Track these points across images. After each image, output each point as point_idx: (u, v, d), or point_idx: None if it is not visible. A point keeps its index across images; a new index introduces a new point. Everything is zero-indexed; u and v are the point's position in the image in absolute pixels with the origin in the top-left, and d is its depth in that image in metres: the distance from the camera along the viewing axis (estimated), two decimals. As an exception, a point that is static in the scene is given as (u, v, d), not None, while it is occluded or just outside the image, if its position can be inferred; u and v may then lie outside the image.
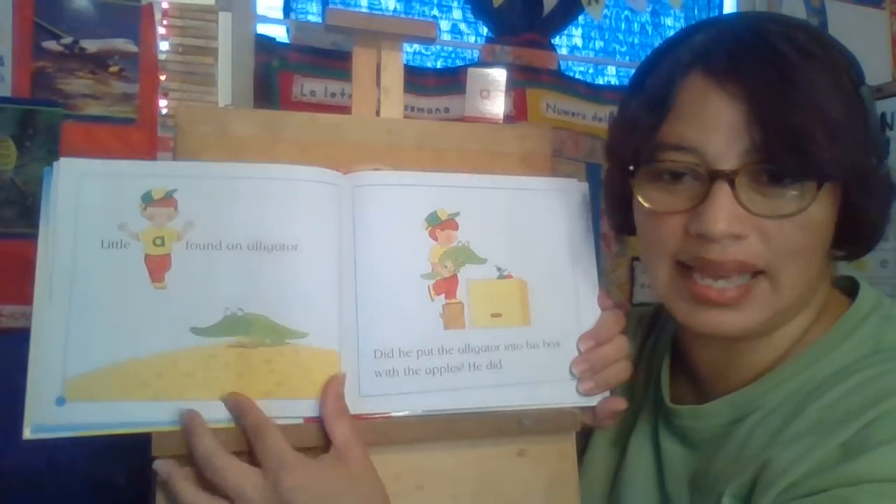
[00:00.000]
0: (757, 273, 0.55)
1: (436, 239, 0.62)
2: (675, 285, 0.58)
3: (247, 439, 0.54)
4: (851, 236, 0.58)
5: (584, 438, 0.74)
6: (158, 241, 0.56)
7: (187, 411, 0.53)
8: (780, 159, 0.53)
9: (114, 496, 1.21)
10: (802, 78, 0.52)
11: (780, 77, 0.52)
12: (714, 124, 0.54)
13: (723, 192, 0.53)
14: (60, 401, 0.52)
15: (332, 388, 0.55)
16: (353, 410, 0.57)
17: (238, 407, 0.54)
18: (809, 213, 0.54)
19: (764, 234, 0.54)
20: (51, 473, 1.17)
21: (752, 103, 0.53)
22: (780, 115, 0.52)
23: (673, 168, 0.57)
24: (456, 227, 0.62)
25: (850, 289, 0.63)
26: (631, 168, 0.59)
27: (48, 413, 0.52)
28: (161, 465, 0.53)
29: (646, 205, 0.58)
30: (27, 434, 0.52)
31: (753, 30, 0.56)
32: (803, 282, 0.57)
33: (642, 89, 0.60)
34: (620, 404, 0.63)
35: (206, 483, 0.52)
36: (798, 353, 0.59)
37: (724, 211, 0.53)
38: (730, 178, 0.53)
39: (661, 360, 0.70)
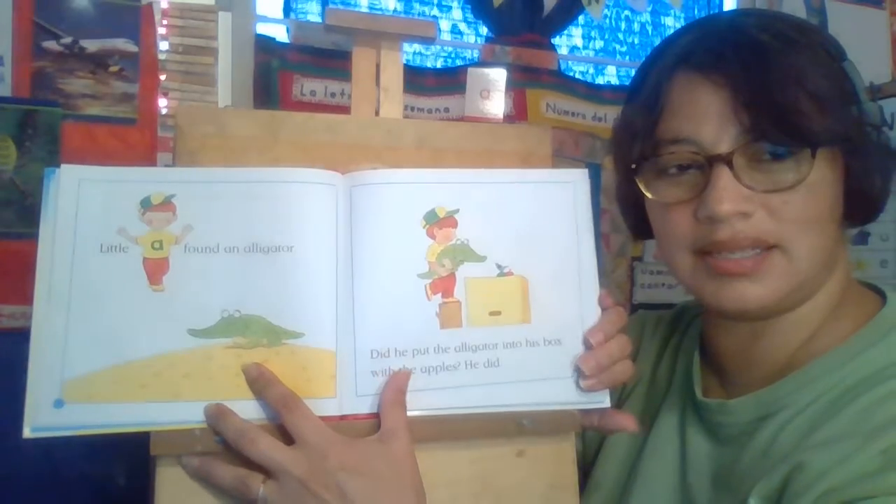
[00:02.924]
0: (770, 247, 0.57)
1: (433, 237, 0.62)
2: (697, 269, 0.61)
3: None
4: (857, 204, 0.60)
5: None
6: (157, 245, 0.56)
7: (210, 404, 0.54)
8: (770, 134, 0.55)
9: (113, 496, 1.21)
10: (780, 58, 0.56)
11: (759, 61, 0.56)
12: (705, 114, 0.58)
13: (723, 174, 0.56)
14: (59, 403, 0.52)
15: (396, 380, 0.57)
16: (349, 410, 0.57)
17: (261, 378, 0.55)
18: (810, 182, 0.56)
19: (770, 209, 0.56)
20: (50, 473, 1.17)
21: (737, 89, 0.56)
22: (763, 94, 0.55)
23: (673, 160, 0.60)
24: (455, 225, 0.62)
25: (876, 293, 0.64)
26: (633, 166, 0.62)
27: (46, 414, 0.52)
28: (189, 459, 0.54)
29: (654, 197, 0.61)
30: (27, 433, 0.52)
31: (732, 25, 0.60)
32: (818, 253, 0.58)
33: (637, 94, 0.64)
34: (631, 425, 0.62)
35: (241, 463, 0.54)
36: (829, 350, 0.60)
37: (726, 191, 0.56)
38: (727, 160, 0.56)
39: (690, 356, 0.70)
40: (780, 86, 0.54)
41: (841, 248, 0.62)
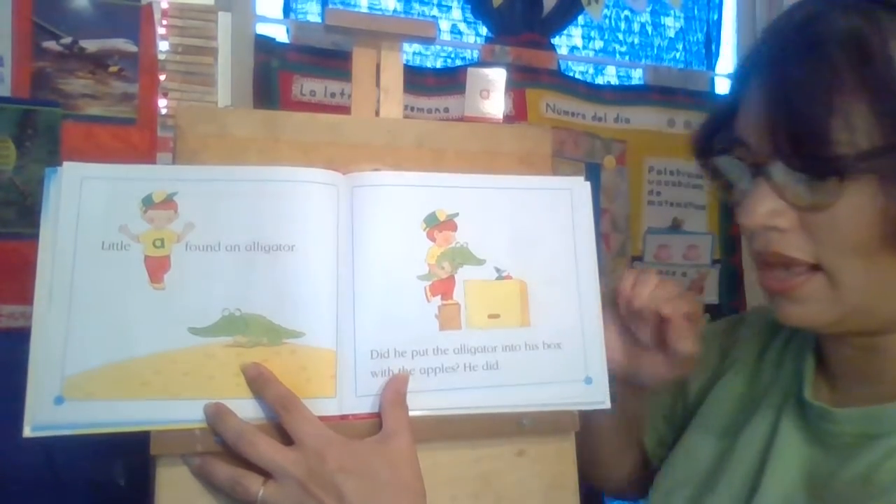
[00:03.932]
0: (815, 268, 0.54)
1: (433, 240, 0.62)
2: (758, 276, 0.59)
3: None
4: None
5: (678, 428, 0.73)
6: (158, 243, 0.56)
7: (209, 403, 0.54)
8: (787, 158, 0.52)
9: (113, 496, 1.21)
10: (819, 67, 0.50)
11: (803, 71, 0.50)
12: (754, 120, 0.54)
13: (760, 184, 0.54)
14: (59, 399, 0.53)
15: (395, 382, 0.58)
16: (348, 410, 0.57)
17: (260, 378, 0.55)
18: (849, 206, 0.50)
19: (808, 227, 0.53)
20: (50, 473, 1.17)
21: (775, 99, 0.52)
22: (784, 112, 0.51)
23: (729, 163, 0.58)
24: (454, 228, 0.63)
25: None
26: (699, 162, 0.61)
27: (47, 412, 0.52)
28: (189, 459, 0.55)
29: (720, 197, 0.60)
30: (27, 432, 0.52)
31: (804, 12, 0.54)
32: (868, 283, 0.53)
33: (726, 94, 0.62)
34: (692, 345, 0.62)
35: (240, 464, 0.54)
36: None
37: (757, 203, 0.53)
38: (764, 169, 0.53)
39: (800, 354, 0.66)
40: (801, 101, 0.49)
41: None
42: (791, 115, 0.50)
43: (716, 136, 0.59)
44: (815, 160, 0.50)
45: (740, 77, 0.58)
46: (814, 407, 0.60)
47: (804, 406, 0.61)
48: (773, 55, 0.54)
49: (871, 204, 0.50)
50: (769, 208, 0.53)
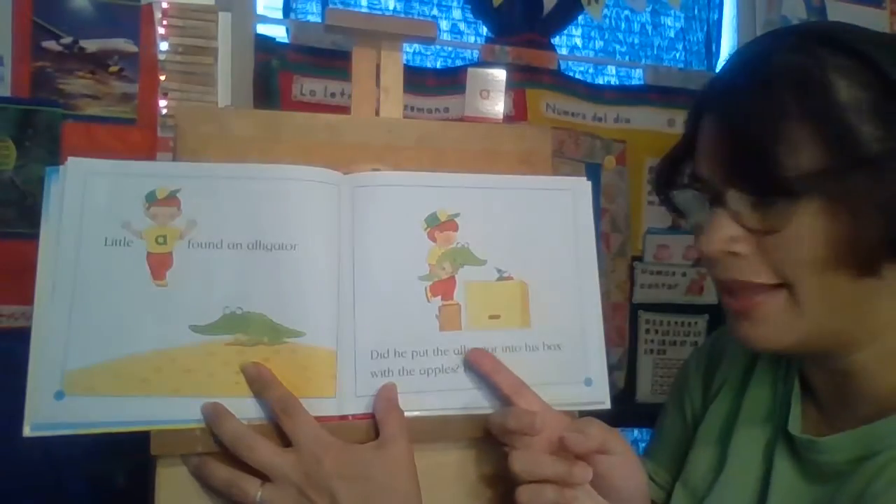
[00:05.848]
0: (778, 286, 0.54)
1: (434, 240, 0.62)
2: (720, 299, 0.60)
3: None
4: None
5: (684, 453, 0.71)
6: (161, 240, 0.56)
7: (207, 404, 0.54)
8: (738, 182, 0.54)
9: (113, 495, 1.21)
10: (764, 93, 0.52)
11: (751, 103, 0.52)
12: (708, 151, 0.57)
13: (717, 212, 0.55)
14: (59, 395, 0.53)
15: (385, 390, 0.58)
16: (348, 410, 0.57)
17: (260, 378, 0.55)
18: (797, 228, 0.52)
19: (765, 250, 0.54)
20: (50, 473, 1.17)
21: (723, 127, 0.55)
22: (732, 137, 0.53)
23: (688, 197, 0.60)
24: (455, 229, 0.63)
25: None
26: (662, 198, 0.63)
27: (47, 408, 0.52)
28: (188, 459, 0.55)
29: (686, 225, 0.62)
30: (27, 432, 0.52)
31: (744, 53, 0.58)
32: (827, 301, 0.54)
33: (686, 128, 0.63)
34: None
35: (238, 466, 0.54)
36: None
37: (715, 231, 0.55)
38: (719, 198, 0.55)
39: (787, 383, 0.65)
40: (749, 129, 0.52)
41: None
42: (741, 143, 0.53)
43: (675, 171, 0.62)
44: (764, 183, 0.52)
45: (695, 114, 0.59)
46: (801, 440, 0.60)
47: (791, 440, 0.61)
48: (725, 92, 0.56)
49: (818, 225, 0.52)
50: (728, 235, 0.55)
